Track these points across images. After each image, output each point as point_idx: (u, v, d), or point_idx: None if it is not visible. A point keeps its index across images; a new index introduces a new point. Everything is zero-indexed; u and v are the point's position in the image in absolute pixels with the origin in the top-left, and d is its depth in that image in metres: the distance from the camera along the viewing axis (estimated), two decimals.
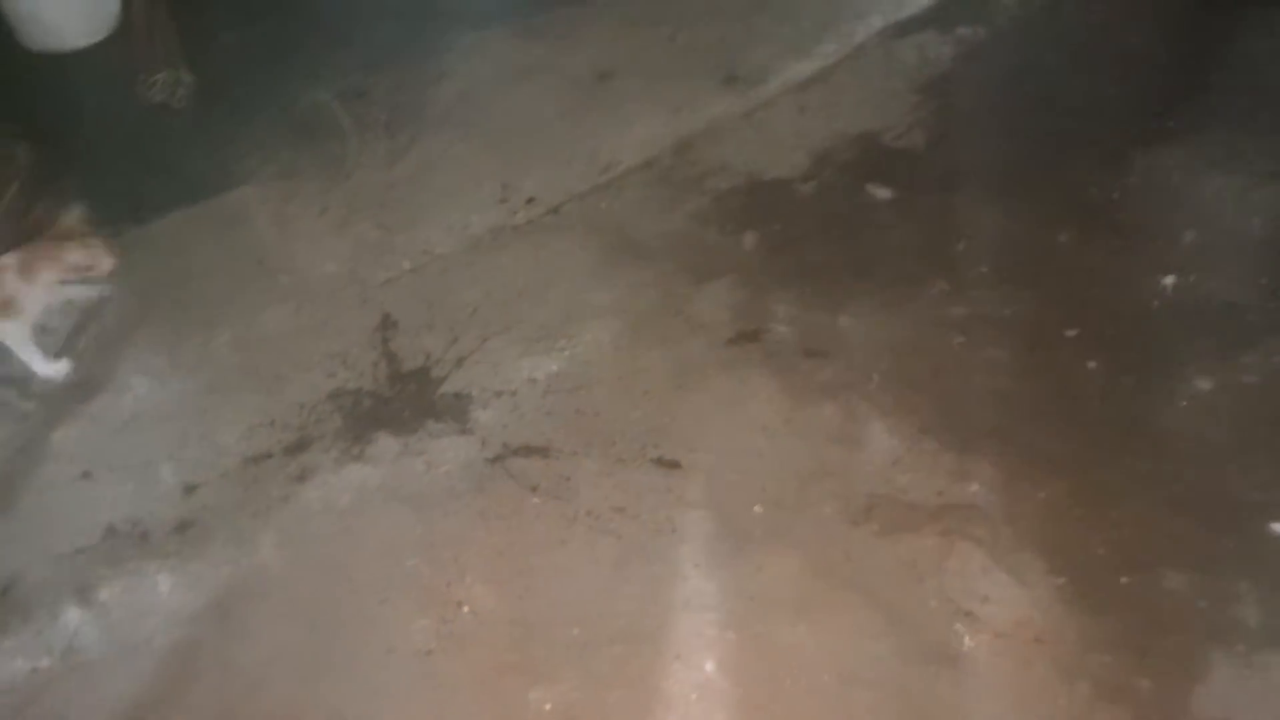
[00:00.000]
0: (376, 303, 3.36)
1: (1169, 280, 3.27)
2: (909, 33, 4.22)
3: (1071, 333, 3.10)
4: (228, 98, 3.95)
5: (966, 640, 2.40)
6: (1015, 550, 2.57)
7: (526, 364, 3.09)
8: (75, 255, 3.00)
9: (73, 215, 3.09)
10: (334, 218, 3.68)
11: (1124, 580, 2.52)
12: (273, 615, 2.66)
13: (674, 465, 2.80)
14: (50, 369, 3.14)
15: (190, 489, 2.94)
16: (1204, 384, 2.97)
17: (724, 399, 2.96)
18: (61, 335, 3.29)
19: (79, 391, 3.20)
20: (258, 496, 2.91)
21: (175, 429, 3.10)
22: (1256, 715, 2.29)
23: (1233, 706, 2.30)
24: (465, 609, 2.59)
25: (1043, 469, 2.75)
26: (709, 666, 2.40)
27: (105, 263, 3.03)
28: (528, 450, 2.89)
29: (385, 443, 2.97)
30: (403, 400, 3.07)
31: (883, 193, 3.58)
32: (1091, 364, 2.99)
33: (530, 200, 3.54)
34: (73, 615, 2.68)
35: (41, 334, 3.18)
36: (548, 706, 2.38)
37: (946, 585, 2.50)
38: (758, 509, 2.69)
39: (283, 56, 4.23)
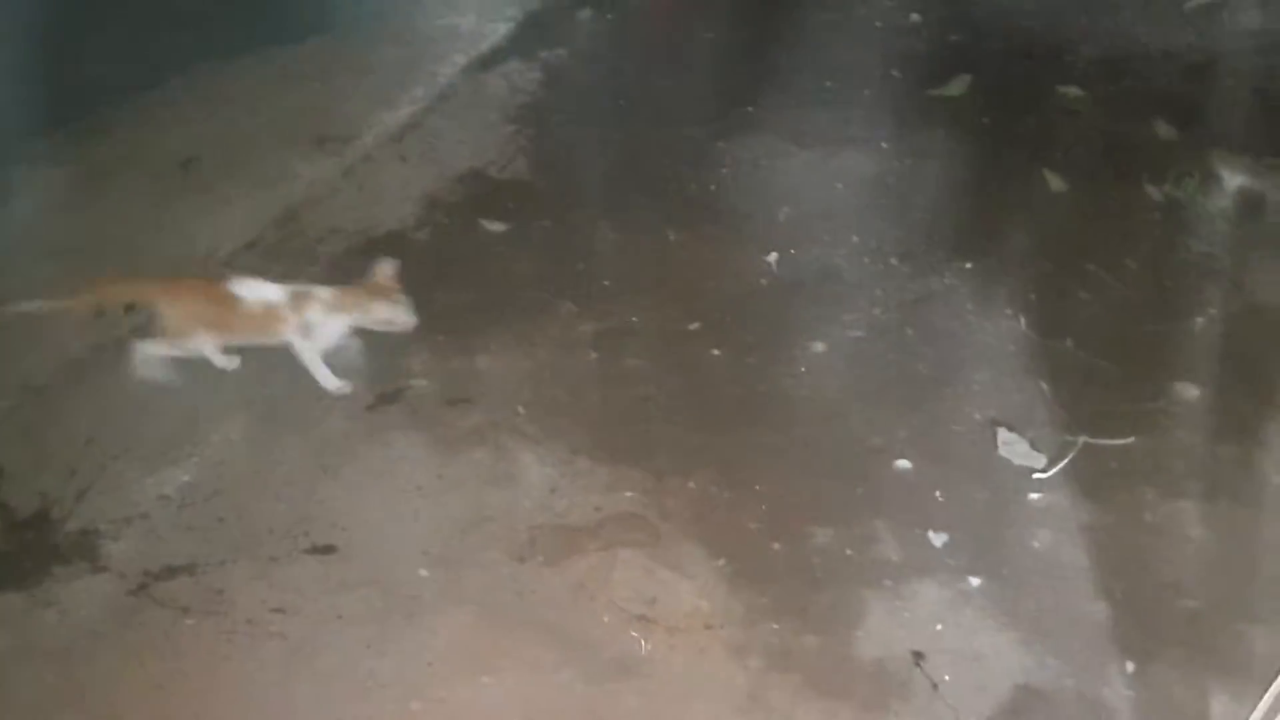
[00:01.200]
0: None
1: (772, 257, 3.49)
2: (494, 65, 4.31)
3: (694, 326, 3.24)
4: None
5: (644, 645, 2.44)
6: (675, 544, 2.66)
7: (153, 481, 2.87)
8: (383, 310, 2.98)
9: (386, 270, 3.00)
10: None
11: (777, 547, 2.65)
12: None
13: (329, 550, 2.69)
14: (336, 384, 3.08)
15: None
16: (818, 347, 3.19)
17: (372, 469, 2.88)
18: None
19: None
20: None
21: None
22: (913, 643, 2.46)
23: (892, 641, 2.47)
24: None
25: (689, 461, 2.86)
26: None
27: (405, 320, 2.99)
28: (171, 571, 2.69)
29: (8, 601, 2.66)
30: (21, 551, 2.77)
31: (497, 227, 3.61)
32: (716, 352, 3.14)
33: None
34: None
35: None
36: None
37: (616, 597, 2.54)
38: (423, 572, 2.62)
39: None
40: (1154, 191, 3.72)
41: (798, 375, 3.10)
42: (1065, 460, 2.83)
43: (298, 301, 2.97)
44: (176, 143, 3.84)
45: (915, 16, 4.71)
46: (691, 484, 2.80)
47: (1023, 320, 3.26)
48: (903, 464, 2.85)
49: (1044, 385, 3.05)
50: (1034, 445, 2.88)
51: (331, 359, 3.08)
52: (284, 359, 3.16)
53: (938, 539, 2.67)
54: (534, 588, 2.58)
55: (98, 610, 2.64)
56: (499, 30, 4.49)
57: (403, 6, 4.58)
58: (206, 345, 3.06)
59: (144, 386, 3.05)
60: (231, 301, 2.96)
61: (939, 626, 2.49)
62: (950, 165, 3.87)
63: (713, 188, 3.78)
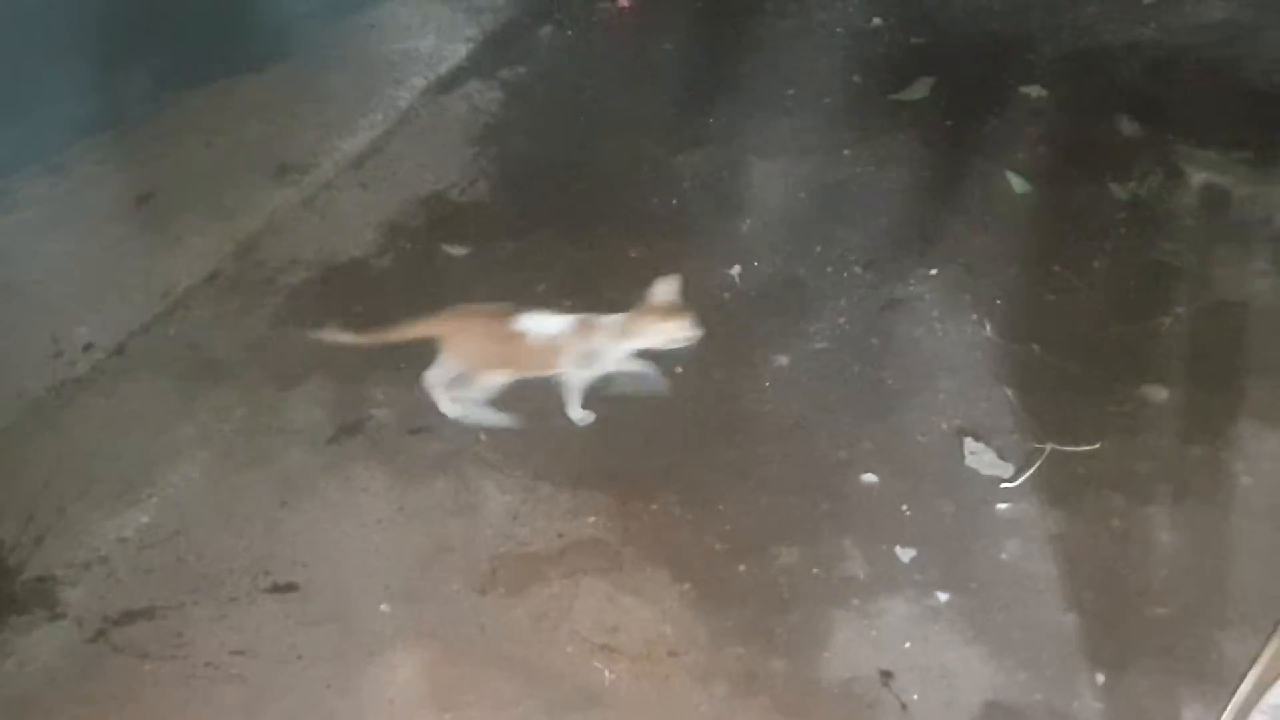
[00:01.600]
0: None
1: (735, 270, 3.45)
2: (454, 86, 4.29)
3: None
4: None
5: (607, 675, 2.41)
6: (638, 570, 2.62)
7: (112, 524, 2.84)
8: (670, 329, 2.88)
9: (667, 287, 2.90)
10: None
11: (742, 569, 2.62)
12: None
13: (289, 588, 2.66)
14: (580, 415, 3.02)
15: None
16: (782, 360, 3.16)
17: (333, 503, 2.84)
18: None
19: None
20: None
21: None
22: (881, 662, 2.43)
23: (859, 661, 2.43)
24: None
25: (652, 483, 2.83)
26: None
27: (691, 335, 2.89)
28: (130, 616, 2.65)
29: None
30: None
31: (459, 250, 3.58)
32: (678, 369, 3.10)
33: (88, 347, 3.27)
34: None
35: None
36: None
37: (579, 626, 2.51)
38: (384, 607, 2.59)
39: None
40: (1118, 190, 3.69)
41: (761, 390, 3.07)
42: (1033, 469, 2.79)
43: (582, 330, 2.91)
44: (132, 179, 3.79)
45: (876, 20, 4.67)
46: (655, 506, 2.77)
47: (988, 326, 3.22)
48: (869, 478, 2.82)
49: (1010, 392, 3.01)
50: (1001, 454, 2.84)
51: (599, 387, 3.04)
52: (244, 395, 3.14)
53: (905, 554, 2.64)
54: (496, 619, 2.54)
55: (56, 659, 2.61)
56: (459, 51, 4.46)
57: (361, 31, 4.54)
58: (491, 382, 3.01)
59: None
60: (516, 336, 2.90)
61: (907, 644, 2.46)
62: (913, 170, 3.84)
63: (674, 202, 3.75)
